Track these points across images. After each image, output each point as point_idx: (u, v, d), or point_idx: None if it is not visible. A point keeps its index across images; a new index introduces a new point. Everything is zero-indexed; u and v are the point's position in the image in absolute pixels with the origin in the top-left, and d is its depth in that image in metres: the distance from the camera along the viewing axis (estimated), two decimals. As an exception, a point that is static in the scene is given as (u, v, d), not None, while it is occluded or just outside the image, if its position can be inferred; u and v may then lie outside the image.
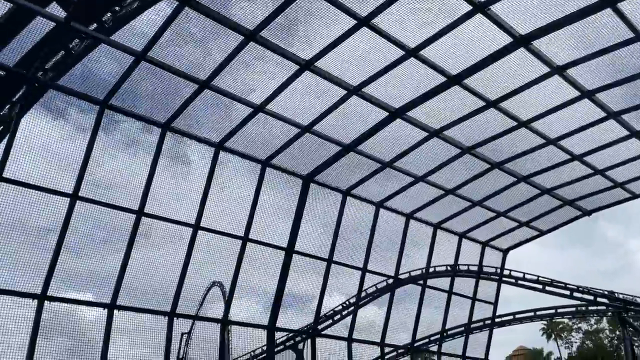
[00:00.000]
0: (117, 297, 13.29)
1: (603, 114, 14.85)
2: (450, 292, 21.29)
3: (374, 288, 23.40)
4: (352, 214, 18.13)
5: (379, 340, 19.19)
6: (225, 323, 15.05)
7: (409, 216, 19.63)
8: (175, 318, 14.23)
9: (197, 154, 15.27)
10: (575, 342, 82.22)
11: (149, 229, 14.03)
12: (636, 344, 66.57)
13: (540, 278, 33.00)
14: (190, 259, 14.46)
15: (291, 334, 19.80)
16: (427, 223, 20.25)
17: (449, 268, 21.88)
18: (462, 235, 21.62)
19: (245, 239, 15.50)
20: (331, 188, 17.40)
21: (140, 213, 13.60)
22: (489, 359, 22.04)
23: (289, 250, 16.42)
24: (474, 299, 21.90)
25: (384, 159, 16.57)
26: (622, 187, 19.39)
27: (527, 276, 32.66)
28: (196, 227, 14.61)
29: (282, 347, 20.58)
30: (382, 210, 18.82)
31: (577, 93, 13.85)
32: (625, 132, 15.87)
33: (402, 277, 19.77)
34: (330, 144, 15.47)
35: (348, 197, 17.80)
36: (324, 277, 17.43)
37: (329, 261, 17.46)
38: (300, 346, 19.24)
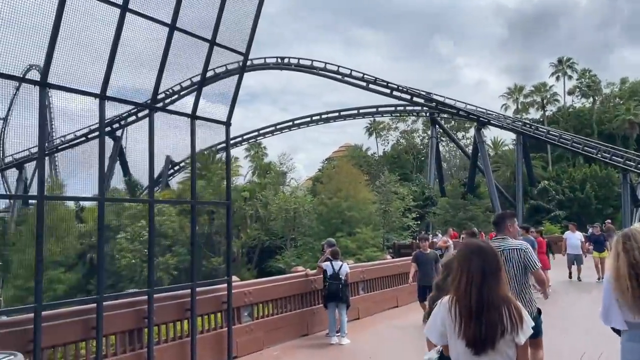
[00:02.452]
0: None
1: None
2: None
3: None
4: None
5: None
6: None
7: None
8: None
9: None
10: (392, 141, 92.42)
11: None
12: (442, 144, 76.64)
13: (365, 76, 35.00)
14: None
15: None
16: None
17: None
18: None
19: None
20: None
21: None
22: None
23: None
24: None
25: None
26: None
27: (353, 73, 34.44)
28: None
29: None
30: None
31: None
32: None
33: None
34: None
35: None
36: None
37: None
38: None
